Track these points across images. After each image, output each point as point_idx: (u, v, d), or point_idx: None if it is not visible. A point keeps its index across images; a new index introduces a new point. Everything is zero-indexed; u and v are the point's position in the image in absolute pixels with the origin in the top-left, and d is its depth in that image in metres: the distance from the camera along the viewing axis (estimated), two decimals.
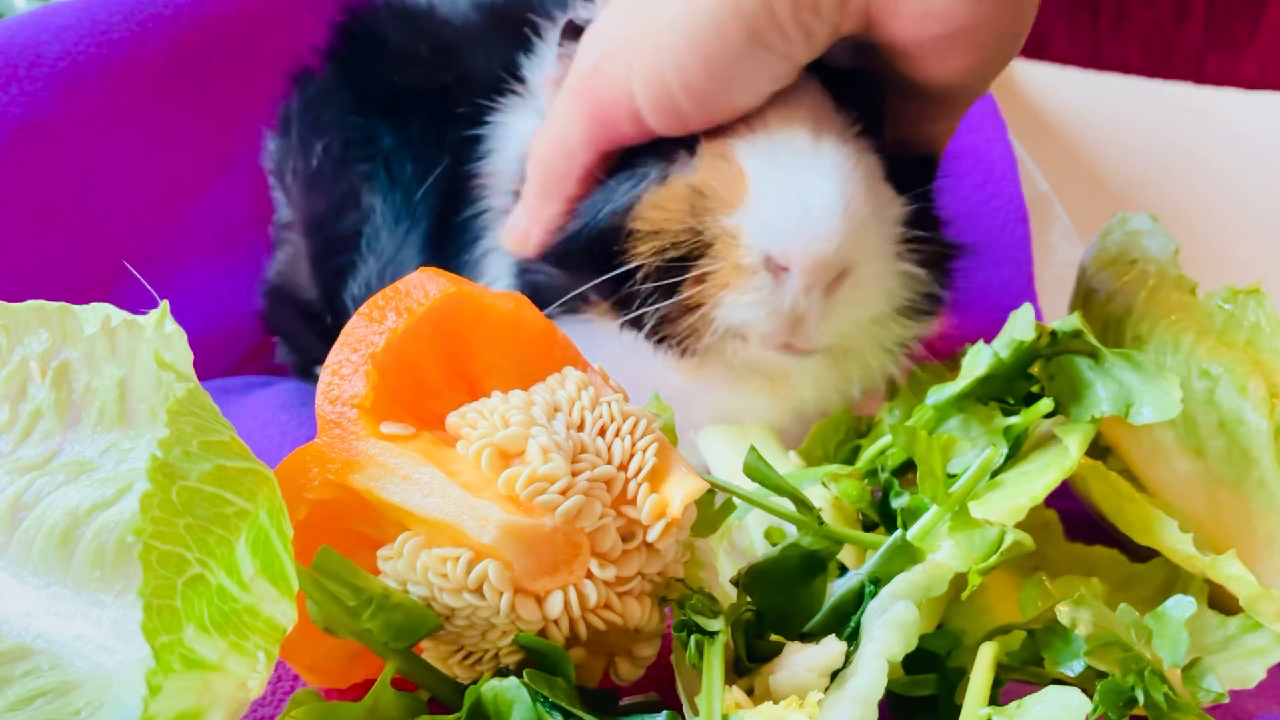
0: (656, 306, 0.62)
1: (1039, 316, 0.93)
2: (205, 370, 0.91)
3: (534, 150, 0.68)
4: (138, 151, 0.89)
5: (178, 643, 0.36)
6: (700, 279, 0.61)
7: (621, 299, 0.64)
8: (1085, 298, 0.67)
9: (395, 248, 0.78)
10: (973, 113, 0.95)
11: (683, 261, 0.61)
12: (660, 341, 0.64)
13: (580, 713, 0.43)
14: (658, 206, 0.62)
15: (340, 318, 0.82)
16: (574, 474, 0.46)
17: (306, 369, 0.90)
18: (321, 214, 0.83)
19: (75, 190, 0.85)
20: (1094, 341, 0.57)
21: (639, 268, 0.62)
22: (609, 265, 0.63)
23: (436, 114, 0.77)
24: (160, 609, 0.36)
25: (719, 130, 0.62)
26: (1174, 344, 0.59)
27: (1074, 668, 0.47)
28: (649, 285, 0.62)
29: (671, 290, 0.62)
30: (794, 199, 0.59)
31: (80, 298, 0.50)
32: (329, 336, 0.82)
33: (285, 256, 0.88)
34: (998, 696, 0.47)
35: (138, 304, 0.50)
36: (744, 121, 0.62)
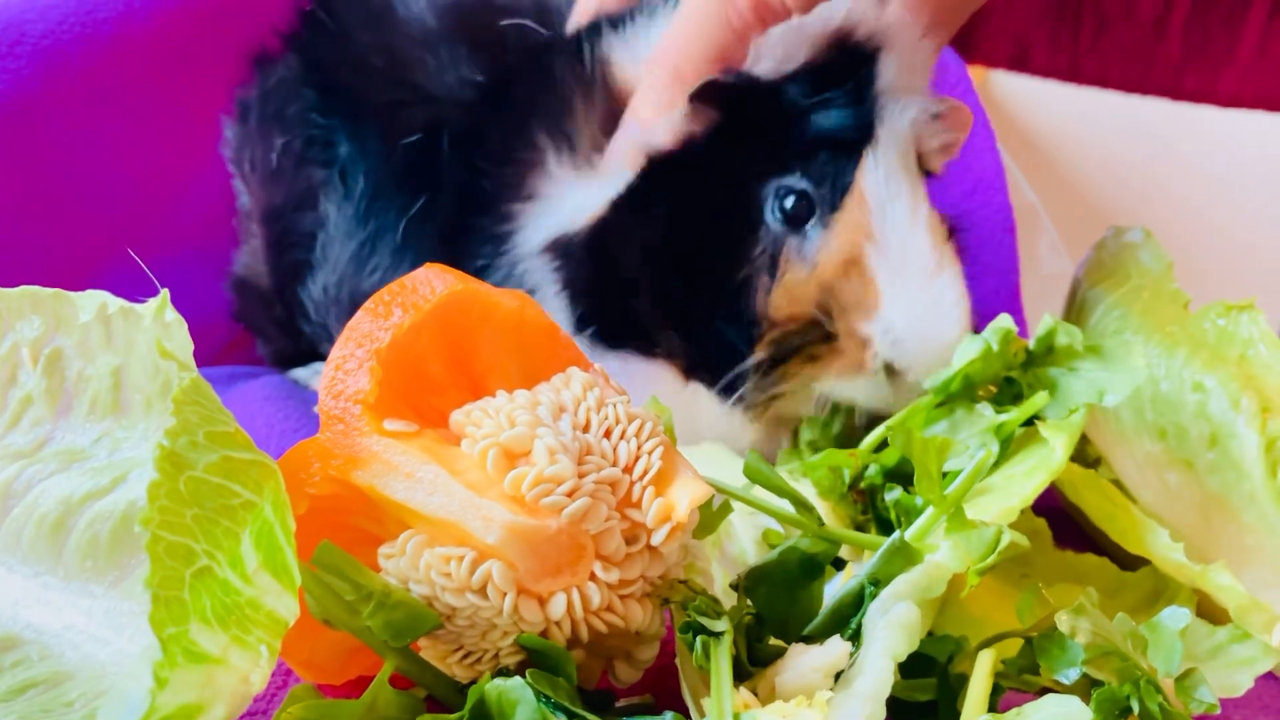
0: (762, 384, 0.66)
1: (1024, 328, 0.94)
2: None
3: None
4: (120, 133, 0.87)
5: (183, 635, 0.36)
6: (811, 359, 0.66)
7: (729, 378, 0.66)
8: (1078, 310, 0.68)
9: (352, 262, 0.77)
10: None
11: (798, 348, 0.65)
12: (749, 408, 0.67)
13: (584, 713, 0.43)
14: (788, 298, 0.65)
15: (295, 316, 0.82)
16: (580, 476, 0.46)
17: (282, 363, 0.89)
18: (279, 207, 0.82)
19: (55, 172, 0.84)
20: (1066, 343, 0.59)
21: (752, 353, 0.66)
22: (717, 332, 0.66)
23: (392, 130, 0.76)
24: (168, 600, 0.35)
25: (845, 226, 0.64)
26: (1168, 357, 0.60)
27: (1070, 675, 0.47)
28: (760, 367, 0.66)
29: (780, 369, 0.66)
30: (923, 319, 0.64)
31: (57, 281, 0.49)
32: (288, 330, 0.82)
33: (249, 248, 0.87)
34: (996, 704, 0.47)
35: (117, 288, 0.49)
36: (870, 233, 0.65)
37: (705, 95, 0.65)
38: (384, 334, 0.48)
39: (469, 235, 0.73)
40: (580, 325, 0.69)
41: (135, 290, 0.49)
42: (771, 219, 0.66)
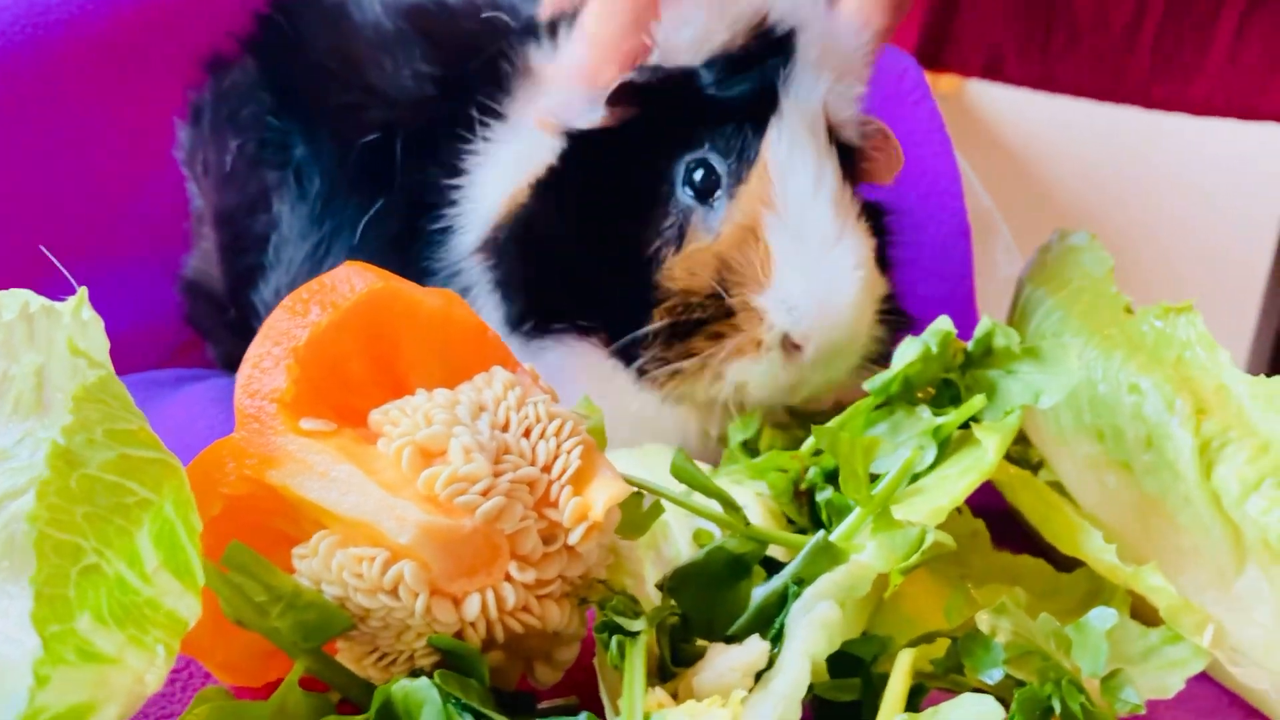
0: (664, 356, 0.66)
1: None
2: (137, 363, 0.89)
3: None
4: (71, 135, 0.87)
5: (70, 633, 0.35)
6: (714, 337, 0.66)
7: (624, 341, 0.67)
8: (1021, 312, 0.67)
9: (306, 263, 0.77)
10: (917, 127, 0.95)
11: (700, 322, 0.66)
12: (651, 380, 0.67)
13: (493, 714, 0.42)
14: (687, 269, 0.66)
15: (249, 318, 0.81)
16: (496, 475, 0.45)
17: (231, 366, 0.89)
18: (233, 210, 0.82)
19: (4, 173, 0.83)
20: (1004, 345, 0.59)
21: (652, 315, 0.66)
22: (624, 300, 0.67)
23: (348, 132, 0.76)
24: (52, 598, 0.35)
25: (746, 196, 0.65)
26: (1105, 359, 0.59)
27: (993, 676, 0.47)
28: (660, 336, 0.66)
29: (683, 343, 0.66)
30: (818, 288, 0.65)
31: (6, 283, 0.49)
32: (241, 333, 0.82)
33: (201, 251, 0.87)
34: (919, 704, 0.47)
35: (67, 291, 0.49)
36: (769, 202, 0.65)
37: (621, 97, 0.66)
38: (301, 332, 0.47)
39: (418, 238, 0.72)
40: (516, 323, 0.69)
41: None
42: (682, 193, 0.67)
